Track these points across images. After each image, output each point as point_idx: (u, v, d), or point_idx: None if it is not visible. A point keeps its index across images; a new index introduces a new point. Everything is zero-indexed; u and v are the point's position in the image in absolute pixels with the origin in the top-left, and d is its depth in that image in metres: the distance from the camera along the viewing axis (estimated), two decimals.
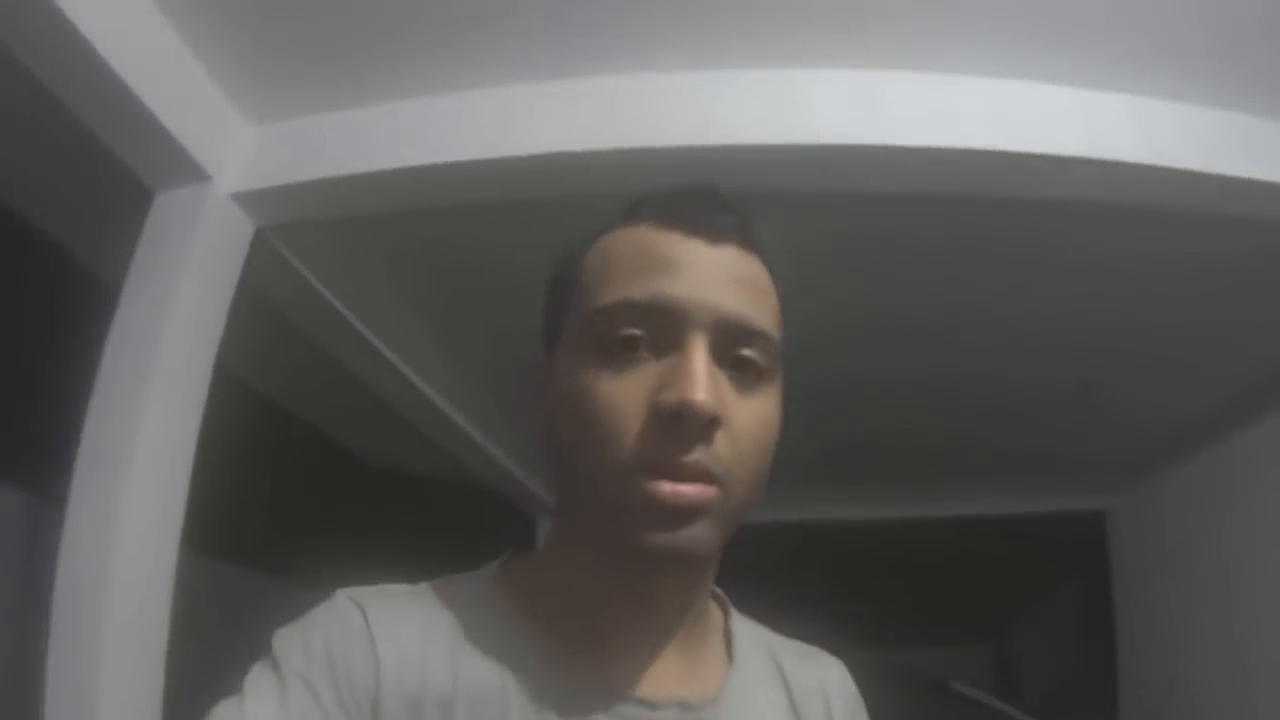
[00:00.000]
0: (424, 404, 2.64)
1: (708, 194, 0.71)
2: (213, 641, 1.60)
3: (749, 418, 0.66)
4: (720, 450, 0.64)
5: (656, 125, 1.60)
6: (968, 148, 1.60)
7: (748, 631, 0.81)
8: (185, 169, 1.59)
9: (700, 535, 0.63)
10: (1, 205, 1.88)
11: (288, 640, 0.65)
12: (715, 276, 0.66)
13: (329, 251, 2.00)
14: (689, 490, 0.62)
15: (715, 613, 0.80)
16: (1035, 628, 4.06)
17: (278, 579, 2.69)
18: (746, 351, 0.66)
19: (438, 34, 1.55)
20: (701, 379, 0.62)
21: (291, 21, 1.52)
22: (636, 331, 0.65)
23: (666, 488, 0.62)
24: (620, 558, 0.67)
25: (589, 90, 1.63)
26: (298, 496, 2.87)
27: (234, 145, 1.68)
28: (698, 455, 0.62)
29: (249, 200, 1.68)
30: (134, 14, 1.42)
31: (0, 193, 1.87)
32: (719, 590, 0.80)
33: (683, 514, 0.62)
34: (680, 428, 0.62)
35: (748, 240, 0.69)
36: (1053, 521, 3.64)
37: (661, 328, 0.65)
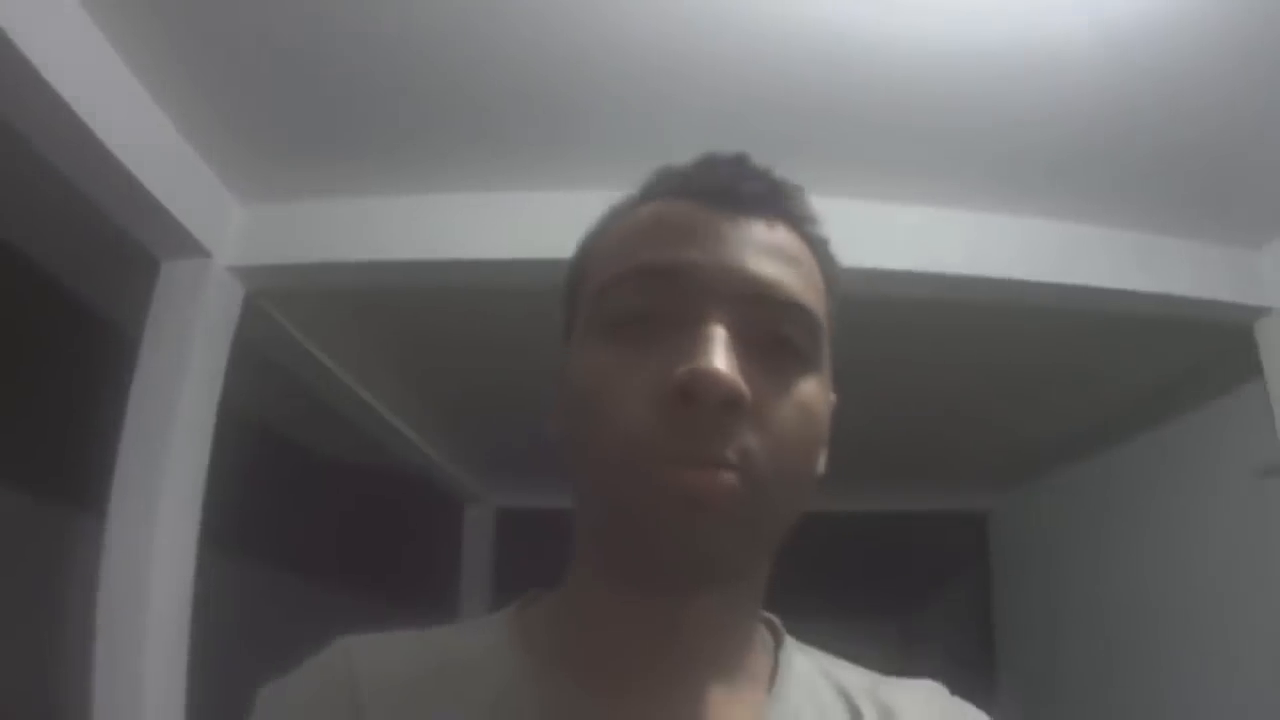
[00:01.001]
0: (380, 421, 2.98)
1: (733, 160, 0.62)
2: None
3: (788, 409, 0.55)
4: (749, 443, 0.52)
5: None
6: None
7: (805, 663, 0.67)
8: (186, 245, 1.82)
9: (719, 536, 0.52)
10: (37, 269, 2.16)
11: (268, 701, 0.63)
12: (740, 244, 0.57)
13: (314, 309, 2.28)
14: (699, 477, 0.51)
15: (766, 642, 0.67)
16: (935, 609, 4.47)
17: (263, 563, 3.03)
18: (782, 329, 0.56)
19: (401, 140, 1.78)
20: (717, 348, 0.52)
21: (280, 119, 1.73)
22: (646, 306, 0.56)
23: (669, 473, 0.51)
24: (637, 575, 0.58)
25: (551, 203, 1.87)
26: (271, 495, 3.11)
27: (228, 224, 1.91)
28: (716, 446, 0.52)
29: (243, 273, 1.94)
30: (136, 110, 1.61)
31: (38, 259, 2.15)
32: (772, 617, 0.69)
33: (694, 506, 0.51)
34: (694, 408, 0.51)
35: (782, 211, 0.60)
36: (944, 519, 4.05)
37: (676, 300, 0.55)
